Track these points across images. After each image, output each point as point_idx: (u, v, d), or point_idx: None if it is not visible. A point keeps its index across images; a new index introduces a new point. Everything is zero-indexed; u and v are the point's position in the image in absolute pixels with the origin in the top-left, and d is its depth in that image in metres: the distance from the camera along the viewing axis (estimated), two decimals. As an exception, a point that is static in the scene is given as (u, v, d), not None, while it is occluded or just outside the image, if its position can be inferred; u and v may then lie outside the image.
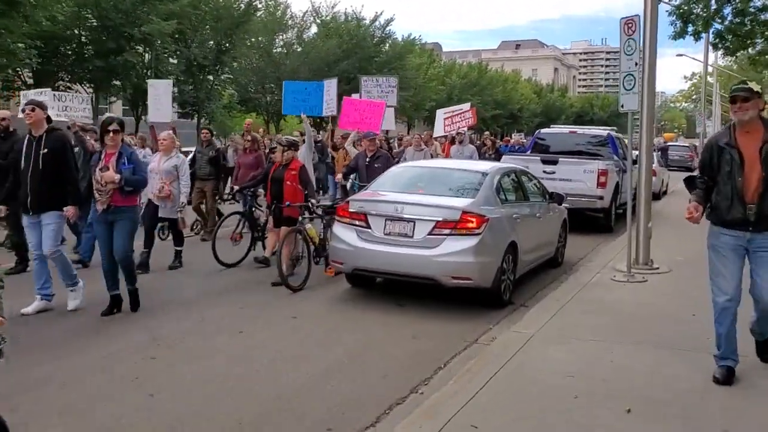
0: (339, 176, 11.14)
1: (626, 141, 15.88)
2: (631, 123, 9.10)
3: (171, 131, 12.21)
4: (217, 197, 11.55)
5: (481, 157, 15.77)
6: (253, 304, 7.36)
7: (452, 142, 16.22)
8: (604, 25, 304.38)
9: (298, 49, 39.79)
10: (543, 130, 16.05)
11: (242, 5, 32.60)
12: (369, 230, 7.33)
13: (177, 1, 26.28)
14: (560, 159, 13.26)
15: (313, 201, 8.36)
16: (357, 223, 7.44)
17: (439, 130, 17.32)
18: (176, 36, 28.76)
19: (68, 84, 27.14)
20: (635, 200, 9.54)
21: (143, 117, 32.24)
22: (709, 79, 56.96)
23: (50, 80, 26.44)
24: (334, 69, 33.52)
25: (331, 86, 15.20)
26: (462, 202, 7.28)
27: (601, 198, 13.04)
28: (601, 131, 15.53)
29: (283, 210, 8.46)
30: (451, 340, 6.30)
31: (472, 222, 7.01)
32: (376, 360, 5.72)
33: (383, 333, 6.49)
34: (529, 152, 15.12)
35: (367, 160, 10.09)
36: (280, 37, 40.76)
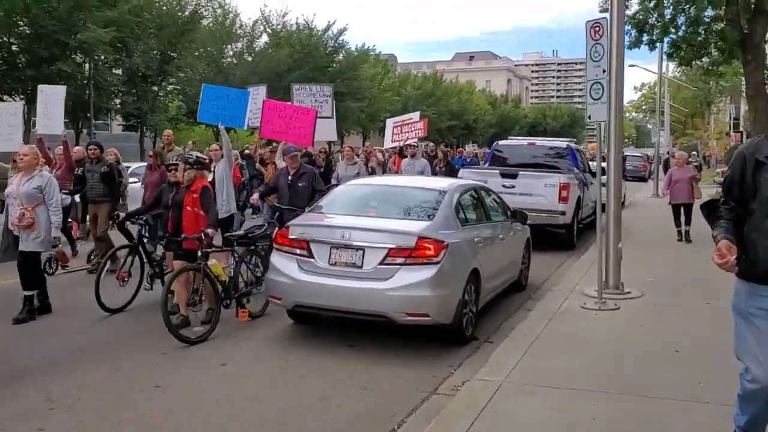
0: (255, 196, 9.44)
1: (586, 152, 15.45)
2: (600, 134, 8.40)
3: (63, 144, 10.52)
4: (111, 222, 9.39)
5: (432, 170, 14.75)
6: (175, 350, 6.28)
7: (401, 154, 15.09)
8: (555, 37, 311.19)
9: (249, 59, 38.58)
10: (501, 142, 15.39)
11: (187, 13, 31.29)
12: (312, 260, 6.38)
13: (115, 8, 24.85)
14: (520, 172, 12.57)
15: (209, 231, 6.80)
16: (298, 251, 6.48)
17: (388, 141, 16.40)
18: (118, 45, 27.34)
19: (-3, 95, 25.48)
20: (602, 215, 8.83)
21: (84, 130, 30.78)
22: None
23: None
24: (285, 79, 32.43)
25: (258, 94, 13.99)
26: (417, 226, 6.40)
27: (563, 213, 12.38)
28: (561, 143, 14.97)
29: (183, 242, 6.94)
30: (407, 390, 5.40)
31: (430, 249, 6.13)
32: (317, 421, 4.77)
33: (328, 383, 5.54)
34: (487, 165, 14.41)
35: (290, 178, 8.74)
36: (230, 47, 39.46)
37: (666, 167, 26.69)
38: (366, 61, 47.61)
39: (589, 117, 8.20)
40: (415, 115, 17.02)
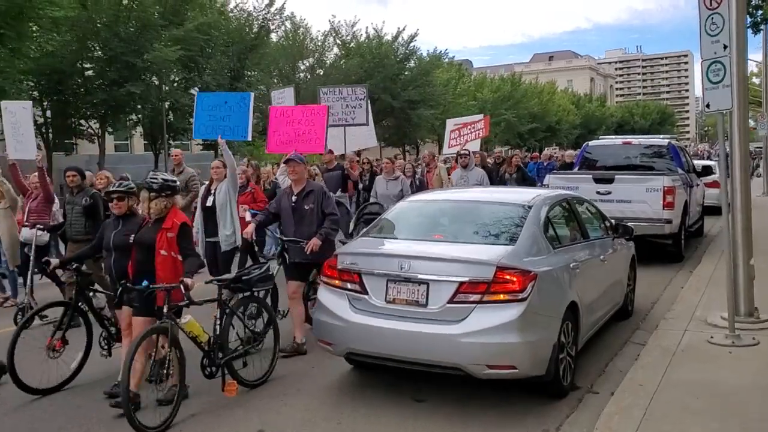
0: (249, 229, 6.94)
1: (689, 150, 13.60)
2: (721, 126, 6.79)
3: (39, 173, 8.63)
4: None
5: (499, 180, 12.83)
6: (204, 413, 5.19)
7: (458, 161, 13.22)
8: (637, 33, 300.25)
9: (320, 73, 38.06)
10: (592, 143, 13.77)
11: (255, 29, 31.02)
12: (365, 297, 5.18)
13: (182, 27, 24.65)
14: (616, 176, 10.97)
15: (187, 281, 5.01)
16: (349, 286, 5.30)
17: (446, 146, 14.79)
18: (191, 64, 27.26)
19: (76, 120, 25.93)
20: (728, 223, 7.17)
21: (161, 151, 30.96)
22: (755, 80, 53.35)
23: (63, 116, 25.36)
24: (356, 90, 31.62)
25: (283, 98, 12.53)
26: (496, 253, 5.07)
27: (669, 222, 10.68)
28: (661, 140, 13.22)
29: (157, 294, 5.12)
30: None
31: (513, 282, 4.81)
32: None
33: (387, 459, 4.32)
34: (576, 169, 12.83)
35: (293, 200, 6.76)
36: (302, 62, 39.05)
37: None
38: (439, 66, 46.18)
39: (708, 105, 6.61)
40: (477, 117, 15.62)
